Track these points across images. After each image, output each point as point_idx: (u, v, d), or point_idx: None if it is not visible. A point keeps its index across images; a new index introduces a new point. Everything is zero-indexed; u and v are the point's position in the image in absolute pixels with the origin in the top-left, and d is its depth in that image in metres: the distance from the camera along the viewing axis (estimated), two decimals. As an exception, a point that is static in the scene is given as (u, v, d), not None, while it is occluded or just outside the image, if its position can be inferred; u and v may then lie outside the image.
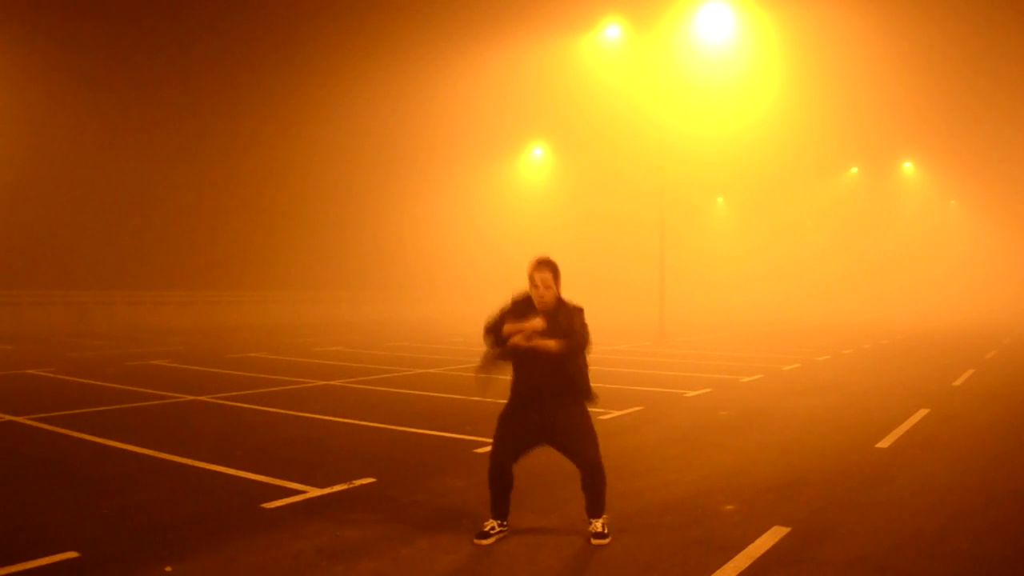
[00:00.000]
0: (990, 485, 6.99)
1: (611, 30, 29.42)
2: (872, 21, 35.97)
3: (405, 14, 34.79)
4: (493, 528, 5.37)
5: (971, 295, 55.09)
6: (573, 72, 35.92)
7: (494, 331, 5.33)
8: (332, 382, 13.39)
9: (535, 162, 46.33)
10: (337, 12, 34.01)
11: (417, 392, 12.23)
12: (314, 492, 6.39)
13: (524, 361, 5.27)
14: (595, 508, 5.39)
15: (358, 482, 6.69)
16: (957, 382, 13.92)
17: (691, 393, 12.14)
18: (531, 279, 5.27)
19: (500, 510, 5.42)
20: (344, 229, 36.60)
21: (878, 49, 38.59)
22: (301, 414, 10.11)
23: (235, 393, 11.88)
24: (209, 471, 7.12)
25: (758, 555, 5.01)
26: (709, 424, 9.65)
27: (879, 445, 8.38)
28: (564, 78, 37.18)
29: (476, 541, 5.27)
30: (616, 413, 10.21)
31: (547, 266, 5.26)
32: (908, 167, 57.02)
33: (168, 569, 4.77)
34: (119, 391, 12.05)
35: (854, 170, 56.64)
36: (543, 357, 5.14)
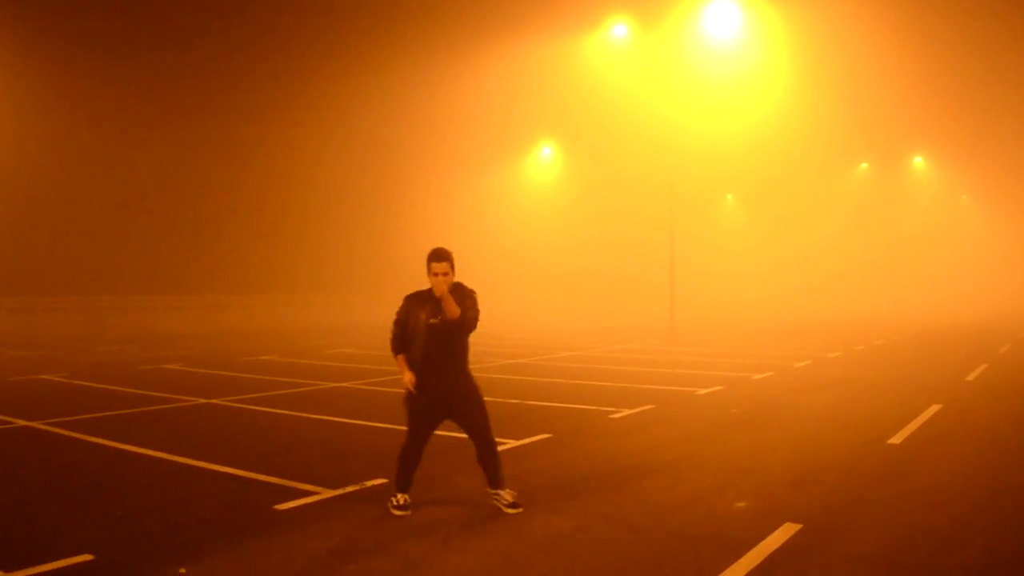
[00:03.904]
0: (1002, 481, 6.96)
1: (618, 28, 29.31)
2: (881, 16, 35.82)
3: (412, 15, 34.83)
4: (407, 501, 5.96)
5: (983, 289, 54.75)
6: (580, 71, 35.85)
7: (400, 323, 6.07)
8: (343, 384, 13.44)
9: (544, 162, 46.30)
10: (344, 12, 34.08)
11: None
12: (326, 493, 6.42)
13: (426, 342, 5.87)
14: (498, 480, 5.99)
15: (370, 483, 6.72)
16: (970, 377, 13.85)
17: (702, 391, 12.12)
18: (429, 268, 5.82)
19: (406, 484, 6.03)
20: (354, 231, 36.68)
21: (887, 43, 38.41)
22: (313, 416, 10.15)
23: (247, 396, 11.94)
24: (222, 473, 7.17)
25: (770, 552, 5.00)
26: (720, 422, 9.64)
27: (891, 441, 8.35)
28: (571, 77, 37.11)
29: (396, 512, 5.85)
30: (627, 412, 10.21)
31: (444, 256, 5.84)
32: (918, 162, 56.72)
33: (182, 571, 4.80)
34: (132, 395, 12.12)
35: (864, 165, 56.38)
36: (440, 337, 5.84)
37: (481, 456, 6.02)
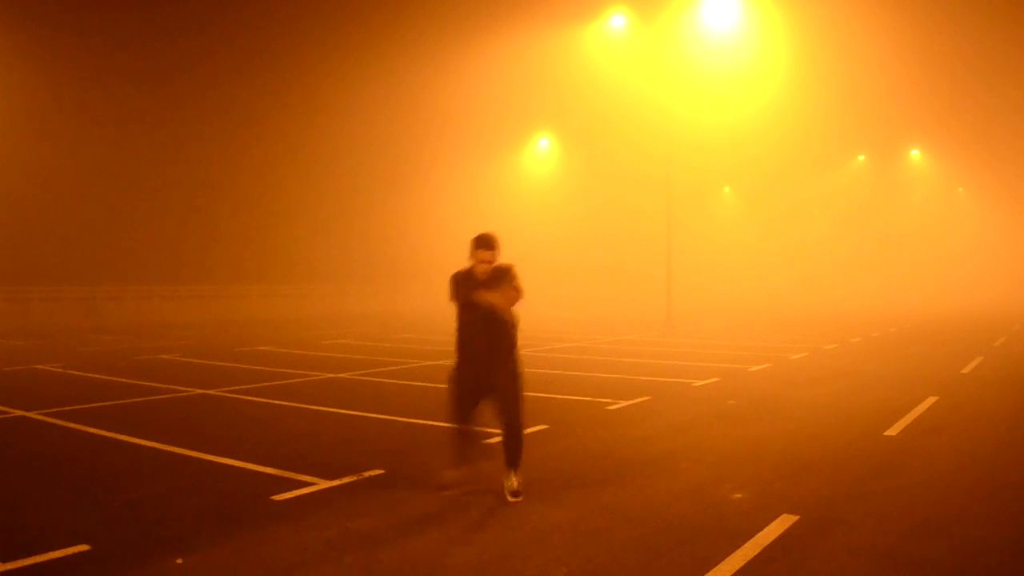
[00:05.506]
0: (999, 472, 6.98)
1: (616, 19, 29.25)
2: (879, 8, 35.77)
3: (410, 6, 34.72)
4: (456, 479, 6.08)
5: (979, 282, 54.80)
6: (578, 62, 35.76)
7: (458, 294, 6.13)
8: (340, 375, 13.43)
9: (541, 153, 46.23)
10: (342, 3, 33.96)
11: (426, 384, 12.26)
12: (323, 484, 6.41)
13: (469, 325, 6.04)
14: (513, 462, 6.02)
15: (367, 474, 6.72)
16: (966, 369, 13.88)
17: (699, 383, 12.13)
18: (473, 253, 6.00)
19: (458, 460, 6.15)
20: (351, 222, 36.63)
21: (885, 35, 38.36)
22: (310, 407, 10.14)
23: (244, 386, 11.93)
24: (219, 464, 7.16)
25: (767, 543, 5.01)
26: (717, 413, 9.64)
27: (887, 433, 8.37)
28: (569, 68, 37.02)
29: (444, 493, 5.96)
30: (624, 403, 10.21)
31: (491, 244, 6.00)
32: (915, 154, 56.74)
33: (179, 561, 4.80)
34: (129, 385, 12.10)
35: (861, 158, 56.38)
36: (483, 321, 5.95)
37: (503, 437, 6.07)
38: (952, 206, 59.50)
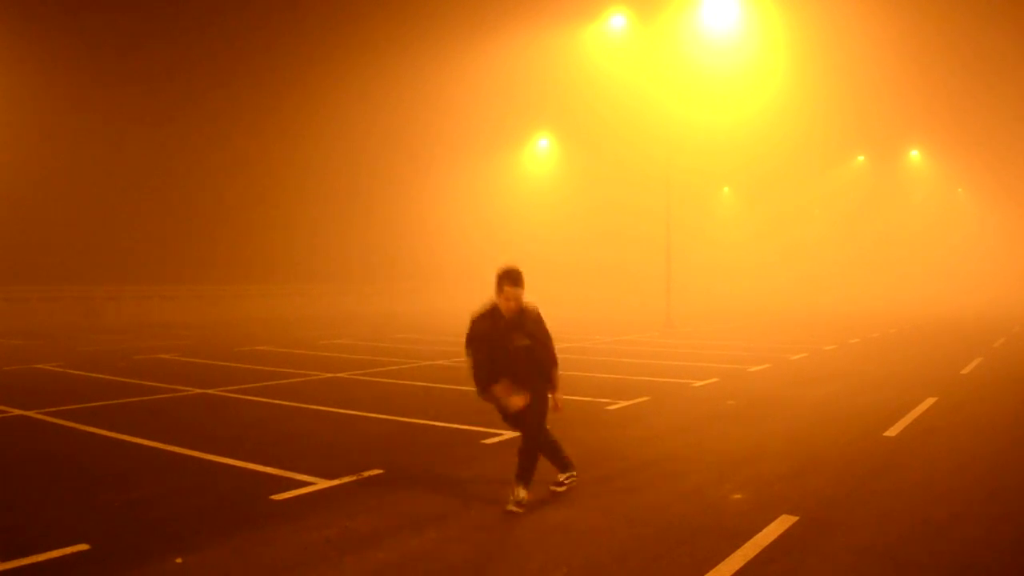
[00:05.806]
0: (998, 473, 6.98)
1: (616, 20, 29.24)
2: (879, 8, 35.78)
3: (409, 6, 34.72)
4: (569, 477, 6.13)
5: (978, 283, 54.81)
6: (578, 62, 35.75)
7: (485, 356, 5.89)
8: (339, 375, 13.43)
9: (540, 153, 46.22)
10: (341, 3, 33.96)
11: (424, 384, 12.26)
12: (323, 484, 6.40)
13: (514, 363, 5.89)
14: (521, 476, 5.83)
15: (366, 474, 6.71)
16: (965, 370, 13.88)
17: (698, 383, 12.12)
18: (501, 289, 5.82)
19: (564, 464, 6.15)
20: (350, 222, 36.63)
21: (885, 36, 38.39)
22: (309, 407, 10.14)
23: (243, 386, 11.92)
24: (218, 464, 7.15)
25: (766, 544, 5.01)
26: (717, 414, 9.64)
27: (887, 434, 8.36)
28: (569, 69, 37.02)
29: (554, 488, 6.03)
30: (623, 403, 10.21)
31: (521, 282, 5.83)
32: (915, 155, 56.72)
33: (178, 560, 4.79)
34: (128, 385, 12.10)
35: (860, 158, 56.36)
36: (528, 356, 5.90)
37: (519, 452, 5.92)
38: (952, 207, 59.52)
